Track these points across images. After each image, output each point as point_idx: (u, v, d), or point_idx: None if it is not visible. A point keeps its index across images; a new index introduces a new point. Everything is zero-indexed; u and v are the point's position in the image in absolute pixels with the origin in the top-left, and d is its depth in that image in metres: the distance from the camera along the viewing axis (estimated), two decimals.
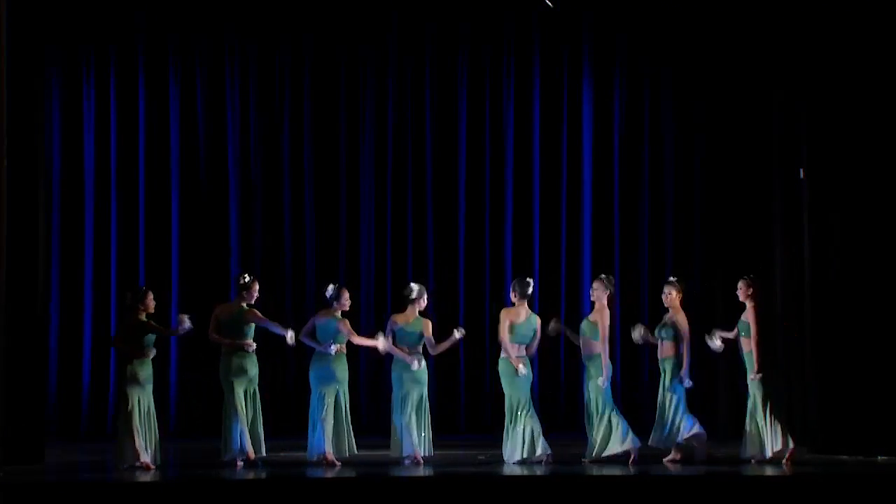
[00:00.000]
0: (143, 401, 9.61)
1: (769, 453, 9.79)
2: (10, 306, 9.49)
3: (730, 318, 12.25)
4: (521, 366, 9.82)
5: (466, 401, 12.47)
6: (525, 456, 9.77)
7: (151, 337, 9.69)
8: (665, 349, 9.99)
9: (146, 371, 9.66)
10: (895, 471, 9.59)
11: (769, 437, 9.82)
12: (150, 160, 12.53)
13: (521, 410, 9.83)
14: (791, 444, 9.84)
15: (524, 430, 9.80)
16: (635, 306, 12.50)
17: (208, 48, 12.57)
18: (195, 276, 12.50)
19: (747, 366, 10.04)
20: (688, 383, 9.95)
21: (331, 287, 9.97)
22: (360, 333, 11.96)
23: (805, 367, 10.91)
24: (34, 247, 10.01)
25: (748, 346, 10.02)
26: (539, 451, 9.76)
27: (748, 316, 10.03)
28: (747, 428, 9.94)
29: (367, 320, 12.42)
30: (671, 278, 10.32)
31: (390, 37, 12.63)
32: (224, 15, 12.43)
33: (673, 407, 9.93)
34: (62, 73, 12.33)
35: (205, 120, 12.59)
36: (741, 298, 10.13)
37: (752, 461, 9.83)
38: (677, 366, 9.94)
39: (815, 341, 10.63)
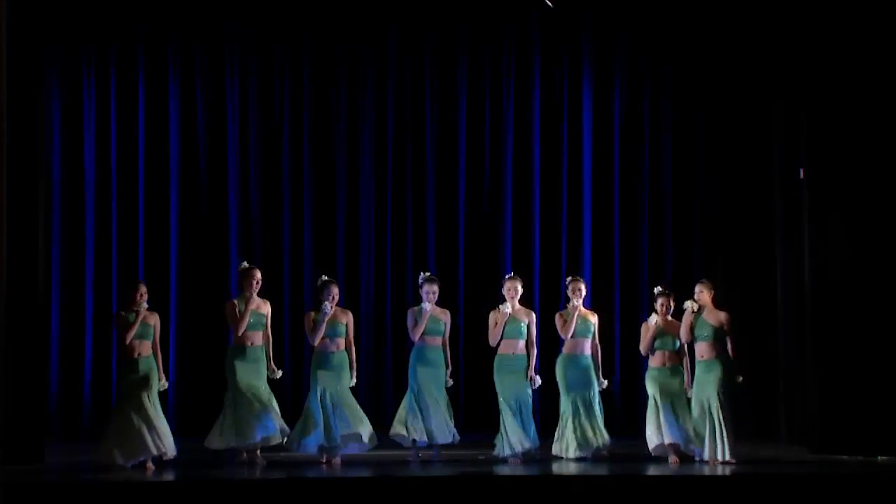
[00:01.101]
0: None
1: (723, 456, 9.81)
2: (11, 306, 9.49)
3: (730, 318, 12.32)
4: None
5: (466, 401, 12.46)
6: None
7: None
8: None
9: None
10: (895, 471, 9.59)
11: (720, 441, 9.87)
12: (150, 160, 12.51)
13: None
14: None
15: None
16: (634, 306, 12.52)
17: (208, 48, 12.57)
18: (195, 275, 12.50)
19: (701, 371, 9.98)
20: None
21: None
22: (359, 331, 12.09)
23: (805, 367, 10.92)
24: (34, 247, 10.02)
25: (710, 352, 9.98)
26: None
27: (718, 320, 10.02)
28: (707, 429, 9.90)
29: (365, 319, 12.45)
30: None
31: (390, 37, 12.62)
32: (224, 15, 12.42)
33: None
34: (62, 73, 12.31)
35: (205, 120, 12.58)
36: (702, 303, 10.11)
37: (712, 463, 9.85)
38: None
39: (815, 341, 10.63)
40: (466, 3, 12.45)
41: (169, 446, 9.70)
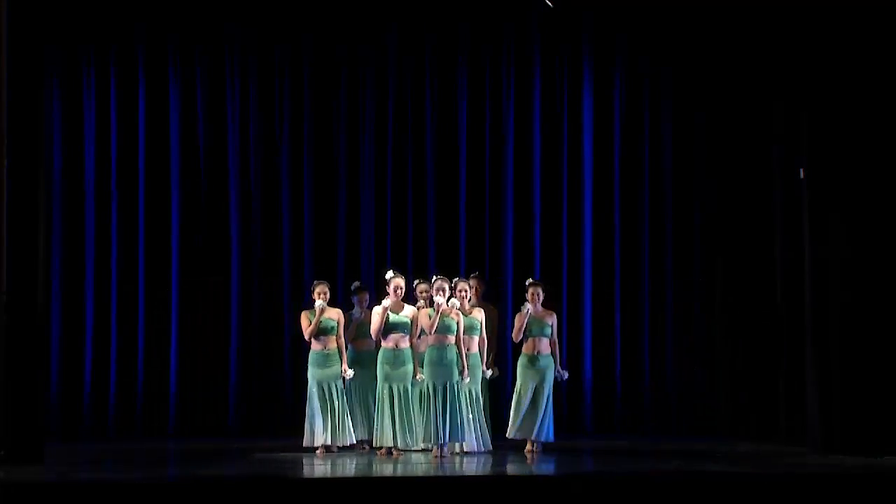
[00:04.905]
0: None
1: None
2: (11, 306, 9.50)
3: (729, 317, 12.33)
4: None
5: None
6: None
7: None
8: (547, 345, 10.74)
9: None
10: (895, 471, 9.58)
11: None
12: (150, 160, 12.51)
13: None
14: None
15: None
16: (635, 306, 12.52)
17: (208, 48, 12.56)
18: (195, 276, 12.51)
19: (473, 363, 10.54)
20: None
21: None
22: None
23: (805, 367, 10.91)
24: (34, 247, 10.01)
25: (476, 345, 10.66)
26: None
27: (482, 315, 10.62)
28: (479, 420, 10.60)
29: None
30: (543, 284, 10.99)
31: (390, 37, 12.61)
32: (224, 15, 12.42)
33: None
34: (62, 73, 12.31)
35: (205, 120, 12.58)
36: (473, 299, 10.84)
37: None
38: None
39: (816, 341, 10.62)
40: (466, 3, 12.45)
41: (345, 436, 10.56)
